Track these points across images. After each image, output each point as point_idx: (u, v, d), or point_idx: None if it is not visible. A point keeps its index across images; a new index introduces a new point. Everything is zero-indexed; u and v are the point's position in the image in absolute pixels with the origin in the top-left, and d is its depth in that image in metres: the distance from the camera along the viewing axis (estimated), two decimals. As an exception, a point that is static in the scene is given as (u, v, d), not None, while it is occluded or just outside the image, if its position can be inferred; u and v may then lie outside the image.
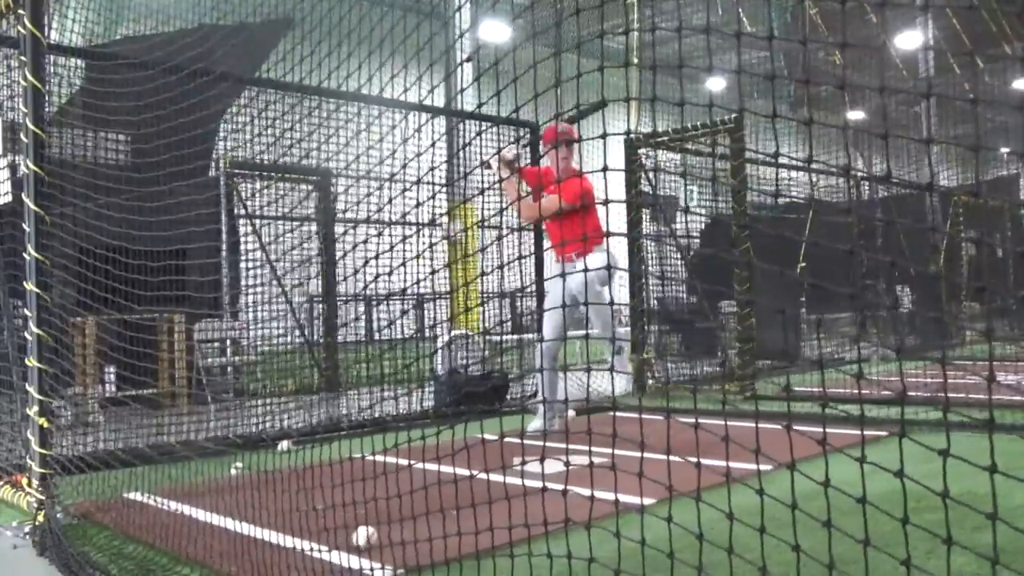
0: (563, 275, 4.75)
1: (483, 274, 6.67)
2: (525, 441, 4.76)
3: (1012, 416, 5.24)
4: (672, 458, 1.81)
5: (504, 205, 5.39)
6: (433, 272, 7.59)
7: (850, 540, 1.56)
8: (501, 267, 2.67)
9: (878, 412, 4.78)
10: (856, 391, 1.48)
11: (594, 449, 2.10)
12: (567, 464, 2.00)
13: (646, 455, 1.92)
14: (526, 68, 2.08)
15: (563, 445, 2.29)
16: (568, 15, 2.08)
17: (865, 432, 1.58)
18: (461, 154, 7.42)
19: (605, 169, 2.07)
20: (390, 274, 2.83)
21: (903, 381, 1.65)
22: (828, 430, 1.57)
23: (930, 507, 1.48)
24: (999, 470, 1.36)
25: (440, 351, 7.18)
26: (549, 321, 5.40)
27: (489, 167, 5.66)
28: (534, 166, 5.85)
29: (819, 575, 2.37)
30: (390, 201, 2.93)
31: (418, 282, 8.20)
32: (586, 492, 2.01)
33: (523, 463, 2.38)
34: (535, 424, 5.34)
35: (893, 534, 1.54)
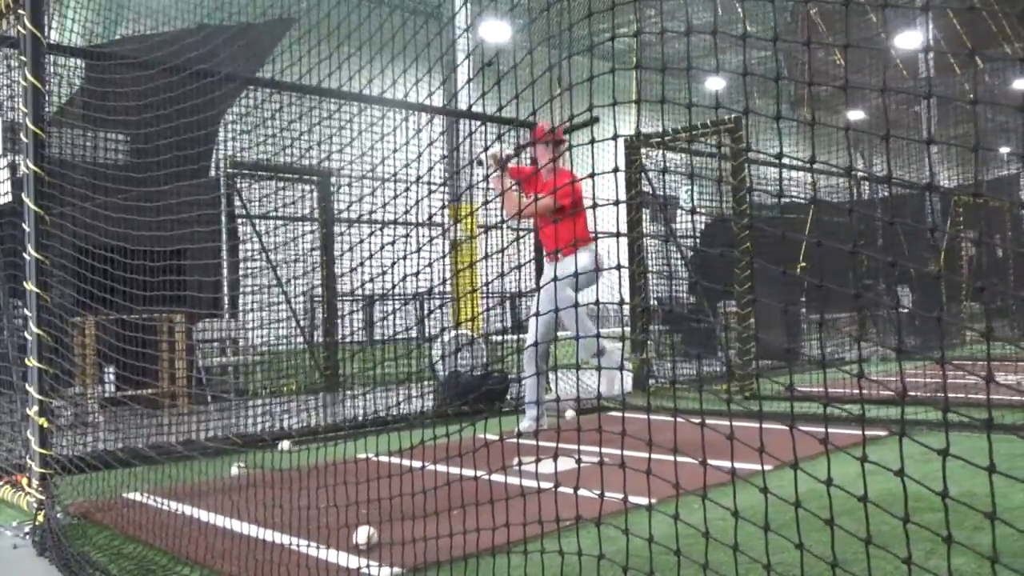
0: (555, 277, 4.75)
1: (488, 282, 6.67)
2: (523, 441, 4.77)
3: (1011, 416, 5.23)
4: (665, 456, 1.81)
5: (492, 197, 5.40)
6: (444, 280, 7.57)
7: (850, 539, 1.56)
8: (502, 275, 2.67)
9: (876, 412, 4.77)
10: (852, 391, 1.48)
11: (591, 448, 2.10)
12: (579, 461, 2.00)
13: (640, 454, 1.92)
14: (530, 70, 2.08)
15: (560, 445, 2.29)
16: (578, 19, 2.07)
17: (863, 432, 1.58)
18: (461, 155, 7.42)
19: (591, 173, 2.07)
20: (401, 280, 2.83)
21: (903, 381, 1.65)
22: (829, 430, 1.57)
23: (929, 507, 1.48)
24: (998, 470, 1.36)
25: (441, 352, 7.18)
26: (538, 322, 5.29)
27: (481, 164, 5.65)
28: (527, 165, 5.83)
29: (822, 573, 2.38)
30: (411, 208, 2.93)
31: (431, 288, 8.21)
32: (584, 491, 2.01)
33: (519, 464, 2.38)
34: (524, 424, 5.35)
35: (890, 534, 1.54)
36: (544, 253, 5.71)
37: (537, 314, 5.18)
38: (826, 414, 1.57)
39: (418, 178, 2.81)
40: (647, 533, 1.89)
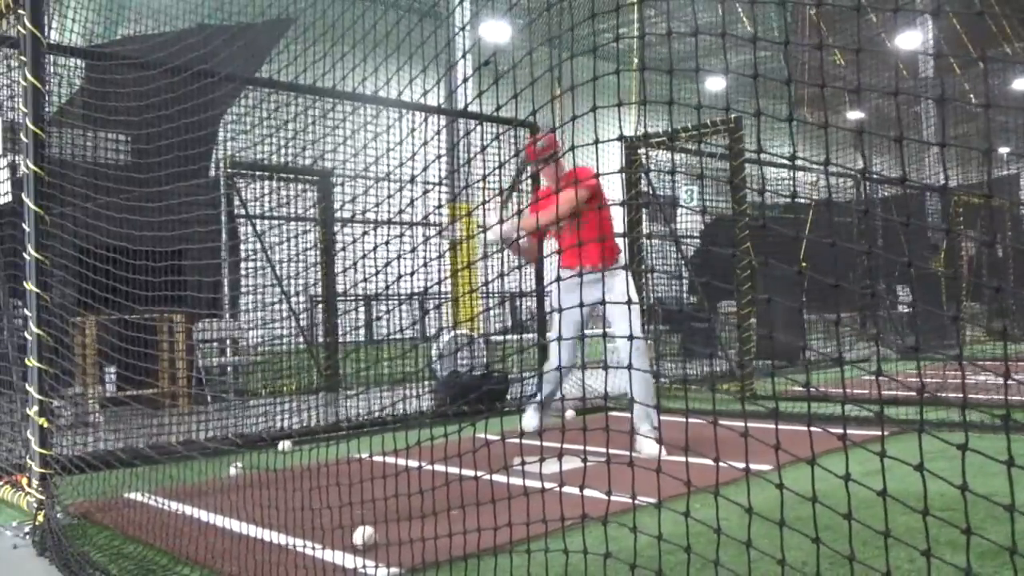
0: (580, 285, 4.49)
1: (488, 281, 6.65)
2: (525, 441, 4.75)
3: (1012, 416, 5.23)
4: (666, 456, 1.81)
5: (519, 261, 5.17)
6: (444, 279, 7.56)
7: (854, 538, 1.56)
8: (503, 275, 2.68)
9: (875, 411, 4.78)
10: (851, 391, 1.48)
11: (592, 448, 2.10)
12: (584, 460, 2.00)
13: (645, 454, 1.92)
14: (537, 70, 2.08)
15: (558, 444, 2.29)
16: (580, 21, 2.07)
17: (861, 432, 1.59)
18: (462, 155, 7.42)
19: (596, 174, 2.06)
20: (398, 278, 2.83)
21: (922, 379, 1.66)
22: (831, 429, 1.58)
23: (932, 507, 1.48)
24: (1016, 464, 1.37)
25: (441, 352, 7.18)
26: (561, 347, 4.69)
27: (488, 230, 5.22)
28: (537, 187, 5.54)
29: (825, 571, 2.37)
30: (402, 206, 2.93)
31: (428, 288, 8.22)
32: (588, 490, 2.01)
33: (523, 463, 2.37)
34: (525, 423, 5.31)
35: (894, 531, 1.54)
36: (561, 266, 4.92)
37: (559, 338, 4.70)
38: (844, 413, 1.58)
39: (412, 177, 2.81)
40: (653, 531, 1.88)
